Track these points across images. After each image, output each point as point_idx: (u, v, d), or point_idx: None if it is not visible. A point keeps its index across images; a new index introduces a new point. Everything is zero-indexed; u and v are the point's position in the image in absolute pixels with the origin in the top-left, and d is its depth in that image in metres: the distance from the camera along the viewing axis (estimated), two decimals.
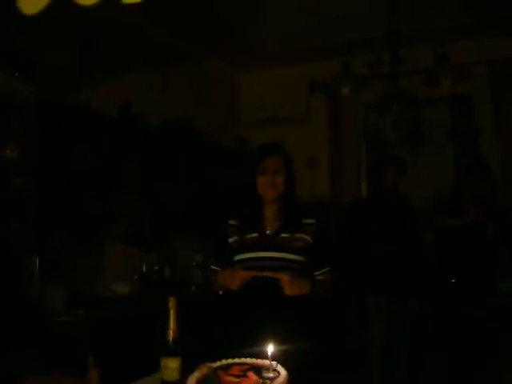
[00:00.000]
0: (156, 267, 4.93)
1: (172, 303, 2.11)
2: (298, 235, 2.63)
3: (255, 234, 2.67)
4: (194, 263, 5.35)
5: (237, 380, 1.88)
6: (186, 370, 2.04)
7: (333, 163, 6.20)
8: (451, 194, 4.61)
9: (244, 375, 1.91)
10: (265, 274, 2.49)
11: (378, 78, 4.34)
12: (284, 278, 2.46)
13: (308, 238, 2.65)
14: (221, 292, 2.71)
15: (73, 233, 3.98)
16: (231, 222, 2.75)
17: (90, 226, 4.13)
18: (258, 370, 1.95)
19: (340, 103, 6.10)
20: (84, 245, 4.29)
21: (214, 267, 2.81)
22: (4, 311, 3.10)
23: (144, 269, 4.82)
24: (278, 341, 2.04)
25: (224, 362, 2.05)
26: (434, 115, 5.52)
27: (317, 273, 2.67)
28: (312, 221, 2.69)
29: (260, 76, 6.44)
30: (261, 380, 1.86)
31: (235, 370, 1.96)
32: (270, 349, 1.97)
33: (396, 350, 4.16)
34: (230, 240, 2.72)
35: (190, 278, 5.23)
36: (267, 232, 2.67)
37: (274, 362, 1.96)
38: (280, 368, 1.94)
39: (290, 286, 2.47)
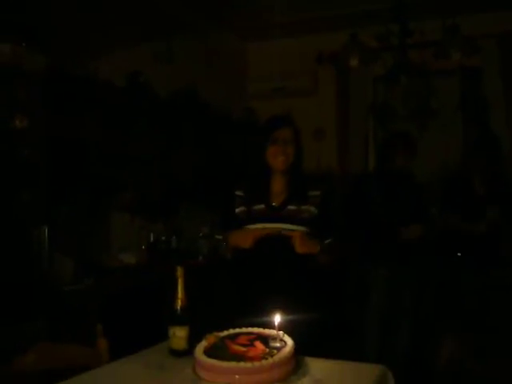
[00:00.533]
0: (163, 237, 4.96)
1: (180, 272, 2.13)
2: (304, 207, 2.66)
3: (262, 206, 2.69)
4: (201, 234, 5.38)
5: (244, 349, 1.90)
6: (194, 338, 2.07)
7: (340, 135, 6.18)
8: (458, 170, 4.58)
9: (251, 344, 1.94)
10: (278, 232, 2.55)
11: (387, 50, 4.30)
12: (295, 234, 2.52)
13: (313, 209, 2.67)
14: (229, 256, 2.72)
15: (81, 203, 3.99)
16: (238, 192, 2.77)
17: (98, 196, 4.14)
18: (265, 339, 1.98)
19: (348, 75, 6.05)
20: (92, 215, 4.31)
21: (219, 237, 2.83)
22: (13, 281, 3.14)
23: (151, 239, 4.85)
24: (285, 311, 2.06)
25: (231, 331, 2.08)
26: (443, 88, 5.47)
27: (321, 243, 2.70)
28: (317, 193, 2.71)
29: (267, 47, 6.37)
30: (267, 349, 1.89)
31: (242, 340, 1.99)
32: (277, 319, 2.00)
33: (396, 323, 4.18)
34: (237, 210, 2.74)
35: (196, 248, 5.27)
36: (273, 204, 2.69)
37: (280, 332, 1.98)
38: (286, 338, 1.97)
39: (301, 243, 2.52)
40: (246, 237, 2.59)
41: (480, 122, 5.54)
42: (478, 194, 4.20)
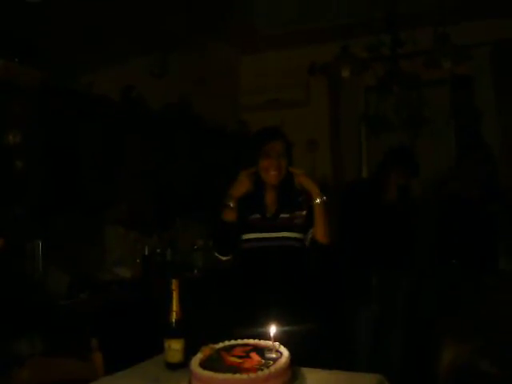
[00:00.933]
0: (158, 250, 4.95)
1: (175, 285, 2.13)
2: (296, 213, 2.68)
3: (257, 215, 2.70)
4: (196, 247, 5.38)
5: (240, 361, 1.90)
6: (190, 351, 2.06)
7: (333, 146, 6.20)
8: (451, 177, 4.58)
9: (247, 356, 1.94)
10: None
11: (378, 60, 4.33)
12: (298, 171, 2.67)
13: (304, 211, 2.69)
14: (231, 204, 2.69)
15: (75, 217, 3.99)
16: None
17: (92, 209, 4.13)
18: (261, 350, 1.98)
19: (340, 86, 6.08)
20: (86, 229, 4.30)
21: (219, 256, 2.82)
22: (8, 295, 3.12)
23: (146, 252, 4.84)
24: (281, 322, 2.06)
25: (227, 343, 2.07)
26: (434, 97, 5.50)
27: (311, 230, 2.70)
28: (304, 196, 2.72)
29: (260, 59, 6.41)
30: (263, 361, 1.89)
31: (238, 351, 1.98)
32: (273, 330, 2.00)
33: (388, 331, 4.17)
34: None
35: (191, 261, 5.26)
36: (267, 215, 2.71)
37: (276, 343, 1.98)
38: (282, 349, 1.97)
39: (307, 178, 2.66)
40: (238, 181, 2.66)
41: (472, 130, 5.56)
42: (471, 200, 4.19)
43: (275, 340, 1.98)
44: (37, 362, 2.11)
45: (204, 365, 1.86)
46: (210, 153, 5.42)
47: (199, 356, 1.95)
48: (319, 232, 2.64)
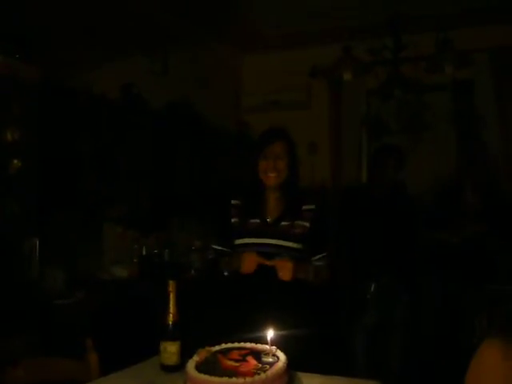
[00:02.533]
0: (155, 251, 4.93)
1: (172, 287, 2.12)
2: (298, 222, 2.64)
3: (257, 220, 2.67)
4: (193, 248, 5.36)
5: (236, 364, 1.88)
6: (186, 354, 2.04)
7: (333, 149, 6.18)
8: (451, 182, 4.57)
9: (243, 360, 1.92)
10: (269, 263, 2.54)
11: (380, 63, 4.32)
12: (278, 264, 2.52)
13: (307, 224, 2.66)
14: (226, 273, 2.70)
15: (73, 216, 3.97)
16: (234, 201, 2.75)
17: (90, 208, 4.12)
18: (258, 354, 1.96)
19: (341, 89, 6.06)
20: (84, 228, 4.29)
21: (217, 247, 2.81)
22: (4, 294, 3.10)
23: (144, 252, 4.82)
24: (278, 326, 2.05)
25: (223, 346, 2.06)
26: (435, 101, 5.49)
27: (314, 258, 2.68)
28: (312, 207, 2.70)
29: (261, 60, 6.40)
30: (260, 365, 1.87)
31: (235, 355, 1.97)
32: (270, 334, 1.98)
33: (387, 339, 4.13)
34: (232, 220, 2.72)
35: (189, 262, 5.24)
36: (268, 220, 2.68)
37: (273, 347, 1.96)
38: (279, 353, 1.95)
39: (284, 274, 2.50)
40: (250, 263, 2.55)
41: (473, 135, 5.55)
42: (471, 205, 4.18)
43: (272, 344, 1.97)
44: (31, 361, 2.09)
45: (200, 368, 1.84)
46: (209, 153, 5.40)
47: (195, 359, 1.93)
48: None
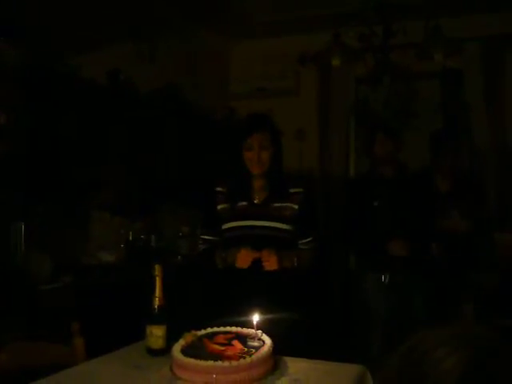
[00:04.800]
0: (142, 236, 4.92)
1: (158, 271, 2.12)
2: (286, 204, 2.65)
3: (244, 203, 2.68)
4: (181, 234, 5.36)
5: (222, 348, 1.89)
6: (172, 337, 2.05)
7: (322, 136, 6.18)
8: (424, 168, 4.46)
9: (229, 344, 1.93)
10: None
11: (369, 50, 4.31)
12: (263, 255, 2.52)
13: (295, 206, 2.67)
14: (220, 266, 2.69)
15: (59, 201, 3.95)
16: (218, 189, 2.75)
17: (77, 194, 4.09)
18: (243, 338, 1.97)
19: (330, 75, 6.05)
20: (70, 213, 4.26)
21: (206, 237, 2.80)
22: None
23: (130, 237, 4.81)
24: (264, 310, 2.05)
25: (209, 330, 2.06)
26: (424, 90, 5.50)
27: (301, 241, 2.69)
28: (299, 189, 2.70)
29: (249, 47, 6.37)
30: (246, 349, 1.88)
31: (220, 339, 1.98)
32: (255, 318, 1.99)
33: (402, 329, 4.01)
34: (218, 207, 2.72)
35: (176, 248, 5.24)
36: (255, 201, 2.68)
37: (258, 331, 1.97)
38: (265, 337, 1.96)
39: (268, 262, 2.52)
40: (245, 258, 2.55)
41: (461, 122, 5.56)
42: (441, 192, 4.12)
43: (258, 328, 1.98)
44: (16, 346, 2.08)
45: (186, 351, 1.85)
46: (197, 139, 5.38)
47: (181, 342, 1.94)
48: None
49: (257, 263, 2.54)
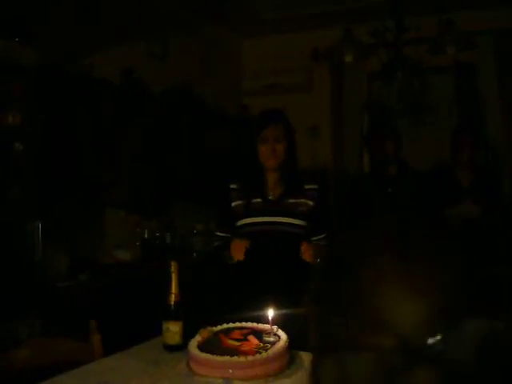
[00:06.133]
0: (157, 234, 4.95)
1: (174, 267, 2.13)
2: (301, 200, 2.66)
3: (259, 199, 2.69)
4: (195, 231, 5.38)
5: (238, 343, 1.91)
6: (188, 333, 2.07)
7: (335, 132, 6.16)
8: (444, 163, 4.49)
9: (245, 339, 1.94)
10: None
11: (382, 45, 4.29)
12: (305, 246, 2.53)
13: (310, 202, 2.68)
14: (229, 262, 2.70)
15: (75, 199, 3.98)
16: (233, 186, 2.76)
17: (93, 192, 4.12)
18: (259, 334, 1.98)
19: (343, 71, 6.04)
20: (86, 211, 4.30)
21: (220, 233, 2.82)
22: (7, 276, 3.12)
23: (146, 235, 4.84)
24: (279, 305, 2.06)
25: (225, 325, 2.08)
26: (438, 84, 5.47)
27: (314, 238, 2.70)
28: (314, 186, 2.71)
29: (262, 43, 6.37)
30: (261, 344, 1.89)
31: (236, 334, 1.99)
32: (270, 313, 2.00)
33: None
34: (233, 204, 2.73)
35: (190, 245, 5.26)
36: (270, 198, 2.69)
37: (274, 327, 1.98)
38: (280, 332, 1.97)
39: (310, 254, 2.52)
40: (237, 250, 2.56)
41: (475, 117, 5.53)
42: (462, 186, 4.14)
43: (273, 324, 1.99)
44: (36, 341, 2.11)
45: (202, 347, 1.87)
46: (210, 137, 5.40)
47: (197, 338, 1.95)
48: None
49: (271, 258, 2.56)
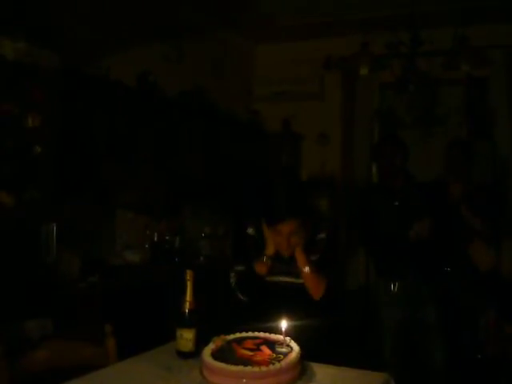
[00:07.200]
0: (167, 237, 4.99)
1: (189, 275, 2.17)
2: (311, 257, 2.60)
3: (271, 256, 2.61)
4: (203, 235, 5.42)
5: (251, 353, 1.94)
6: (201, 341, 2.10)
7: (345, 141, 6.19)
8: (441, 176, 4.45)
9: (258, 349, 1.98)
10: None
11: (395, 57, 4.32)
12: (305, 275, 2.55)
13: (319, 254, 2.63)
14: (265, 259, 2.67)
15: (87, 201, 4.02)
16: (249, 231, 2.72)
17: (104, 194, 4.16)
18: (272, 344, 2.01)
19: (355, 81, 6.07)
20: (97, 213, 4.34)
21: (237, 268, 2.72)
22: (21, 278, 3.16)
23: (155, 238, 4.87)
24: (291, 317, 2.10)
25: (238, 335, 2.11)
26: (449, 96, 5.51)
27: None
28: (323, 236, 2.68)
29: (275, 50, 6.42)
30: (274, 354, 1.92)
31: (249, 344, 2.02)
32: (284, 324, 2.03)
33: (422, 337, 3.97)
34: (249, 250, 2.70)
35: (199, 248, 5.30)
36: (283, 255, 2.60)
37: (287, 338, 2.02)
38: (293, 343, 2.01)
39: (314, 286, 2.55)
40: (261, 268, 2.58)
41: (485, 129, 5.56)
42: (453, 196, 4.11)
43: (286, 334, 2.02)
44: (53, 344, 2.14)
45: (216, 355, 1.90)
46: (222, 141, 5.44)
47: (211, 346, 1.99)
48: (312, 293, 2.60)
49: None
